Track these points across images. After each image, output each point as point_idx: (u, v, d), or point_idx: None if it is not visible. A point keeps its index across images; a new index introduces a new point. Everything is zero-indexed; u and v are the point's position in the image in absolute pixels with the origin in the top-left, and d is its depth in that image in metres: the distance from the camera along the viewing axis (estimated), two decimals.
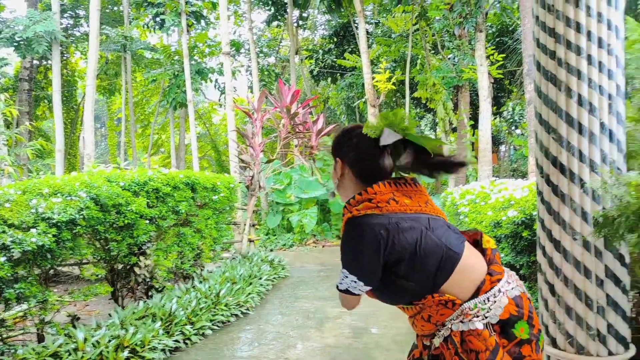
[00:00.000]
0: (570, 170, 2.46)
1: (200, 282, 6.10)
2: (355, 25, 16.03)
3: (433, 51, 15.44)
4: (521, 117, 16.06)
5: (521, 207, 4.08)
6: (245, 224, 8.97)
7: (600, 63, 2.40)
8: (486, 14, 12.34)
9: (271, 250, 10.98)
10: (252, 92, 17.64)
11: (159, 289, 5.64)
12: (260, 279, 6.80)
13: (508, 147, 20.65)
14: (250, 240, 9.14)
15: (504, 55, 14.15)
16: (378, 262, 1.52)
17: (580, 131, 2.43)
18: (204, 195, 6.26)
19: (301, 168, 12.69)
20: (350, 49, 17.35)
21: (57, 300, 4.22)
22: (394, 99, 17.73)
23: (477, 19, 11.59)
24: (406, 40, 14.68)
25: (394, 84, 14.07)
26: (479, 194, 5.48)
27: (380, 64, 14.70)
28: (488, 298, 1.57)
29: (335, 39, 18.78)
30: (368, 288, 1.59)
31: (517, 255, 4.02)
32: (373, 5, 18.50)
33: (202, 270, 6.66)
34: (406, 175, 1.72)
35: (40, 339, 4.21)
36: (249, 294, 5.97)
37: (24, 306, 3.98)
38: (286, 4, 17.38)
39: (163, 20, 14.61)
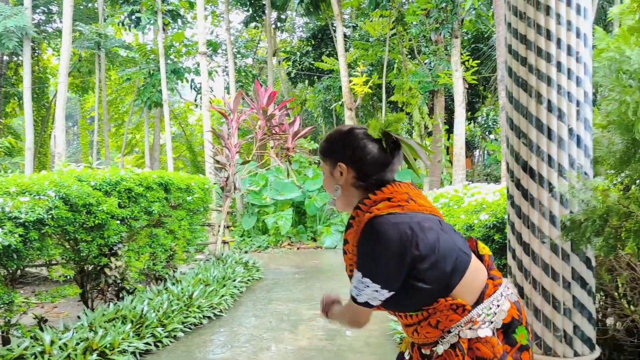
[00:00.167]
0: (539, 175, 2.52)
1: (173, 283, 6.02)
2: (333, 28, 16.09)
3: (410, 56, 15.61)
4: (495, 123, 16.34)
5: (493, 211, 4.14)
6: (219, 226, 8.90)
7: (569, 70, 2.46)
8: (462, 20, 12.54)
9: (246, 252, 10.91)
10: (228, 93, 17.52)
11: (130, 290, 5.55)
12: (234, 280, 6.75)
13: (482, 151, 20.99)
14: (224, 242, 9.07)
15: (478, 61, 14.39)
16: (403, 264, 1.43)
17: (550, 136, 2.48)
18: (178, 196, 6.18)
19: (277, 170, 12.65)
20: (328, 52, 17.40)
21: (24, 302, 4.11)
22: (370, 103, 17.85)
23: (453, 25, 11.77)
24: (383, 45, 14.80)
25: (370, 87, 14.17)
26: (453, 197, 5.55)
27: (357, 67, 14.80)
28: (493, 303, 1.54)
29: (313, 42, 18.82)
30: (390, 295, 1.47)
31: None
32: (351, 8, 18.59)
33: (174, 271, 6.58)
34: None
35: (5, 341, 4.10)
36: (222, 296, 5.92)
37: None
38: (264, 5, 17.35)
39: (139, 18, 14.43)
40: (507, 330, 1.53)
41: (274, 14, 19.00)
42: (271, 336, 4.80)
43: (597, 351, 2.54)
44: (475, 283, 1.53)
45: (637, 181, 2.38)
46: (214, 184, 8.84)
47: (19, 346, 3.74)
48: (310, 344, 4.51)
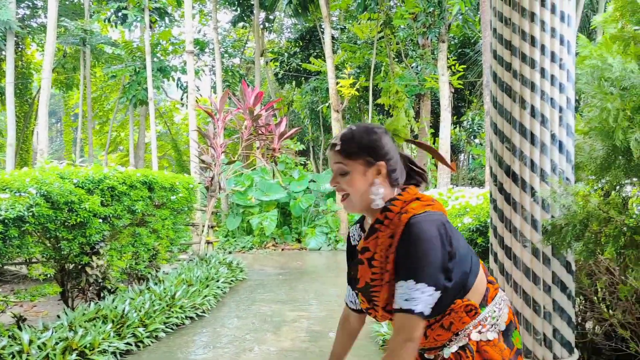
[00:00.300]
0: (522, 179, 2.55)
1: (155, 283, 5.97)
2: (321, 30, 16.10)
3: (397, 59, 15.68)
4: (480, 127, 16.49)
5: (476, 215, 4.18)
6: (203, 226, 8.85)
7: (552, 76, 2.49)
8: (449, 25, 12.63)
9: (230, 253, 10.86)
10: (215, 92, 17.43)
11: (112, 290, 5.48)
12: (218, 281, 6.71)
13: (467, 156, 21.15)
14: (208, 242, 9.02)
15: (465, 66, 14.51)
16: (445, 262, 1.39)
17: (533, 142, 2.51)
18: (162, 195, 6.13)
19: (263, 170, 12.62)
20: (315, 54, 17.40)
21: (2, 300, 4.05)
22: (357, 105, 17.89)
23: (440, 29, 11.85)
24: (371, 48, 14.85)
25: (357, 90, 14.19)
26: (437, 200, 5.57)
27: (344, 69, 14.82)
28: (496, 306, 1.54)
29: (301, 43, 18.81)
30: (438, 297, 1.39)
31: None
32: (339, 11, 18.63)
33: (157, 271, 6.52)
34: None
35: None
36: (205, 296, 5.89)
37: None
38: (253, 5, 17.30)
39: (125, 15, 14.29)
40: (506, 334, 1.54)
41: (262, 14, 18.96)
42: (254, 337, 4.79)
43: (576, 354, 2.57)
44: (481, 286, 1.52)
45: (617, 187, 2.42)
46: (199, 183, 8.78)
47: None
48: (293, 346, 4.50)
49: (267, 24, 20.16)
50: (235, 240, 12.28)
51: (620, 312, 2.55)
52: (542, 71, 2.45)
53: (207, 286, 6.30)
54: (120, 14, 14.43)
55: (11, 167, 12.25)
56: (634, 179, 2.33)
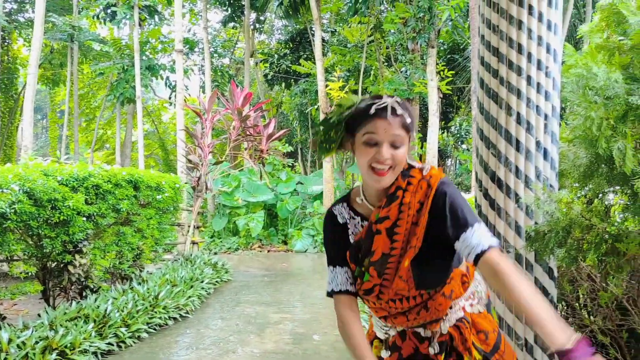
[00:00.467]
0: (507, 185, 2.57)
1: (139, 283, 5.92)
2: (312, 32, 16.11)
3: (386, 63, 15.75)
4: (467, 133, 16.62)
5: None
6: (189, 226, 8.80)
7: (538, 84, 2.52)
8: (439, 31, 12.72)
9: (215, 254, 10.79)
10: (204, 92, 17.37)
11: (94, 289, 5.42)
12: (202, 282, 6.67)
13: (454, 161, 21.30)
14: (193, 243, 8.97)
15: (453, 72, 14.61)
16: None
17: (518, 148, 2.53)
18: (148, 194, 6.08)
19: (250, 171, 12.59)
20: (305, 56, 17.42)
21: None
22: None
23: (430, 35, 11.93)
24: (361, 51, 14.90)
25: (347, 92, 14.21)
26: None
27: (334, 72, 14.84)
28: (479, 281, 1.59)
29: (291, 45, 18.82)
30: None
31: None
32: (330, 14, 18.67)
33: (141, 271, 6.46)
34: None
35: None
36: (190, 297, 5.85)
37: None
38: (243, 5, 17.28)
39: (114, 12, 14.19)
40: (489, 308, 1.60)
41: (253, 15, 18.93)
42: (237, 339, 4.76)
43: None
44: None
45: (600, 195, 2.45)
46: (186, 183, 8.73)
47: None
48: (276, 348, 4.49)
49: (257, 25, 20.14)
50: (221, 241, 12.23)
51: (601, 318, 2.57)
52: (529, 79, 2.48)
53: (192, 287, 6.26)
54: (109, 10, 14.33)
55: None
56: (616, 187, 2.36)
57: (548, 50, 2.50)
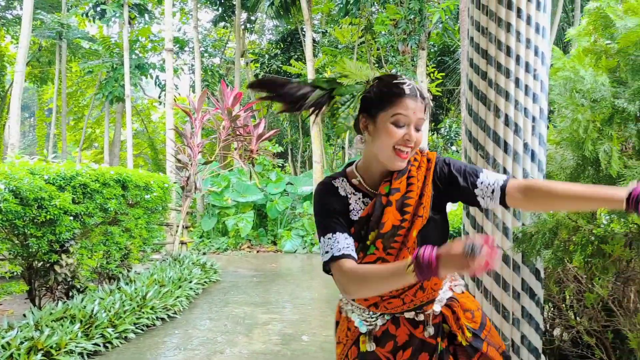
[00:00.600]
0: None
1: (127, 283, 5.87)
2: (303, 33, 16.11)
3: (377, 65, 15.78)
4: (457, 135, 16.70)
5: (450, 221, 4.22)
6: (178, 226, 8.75)
7: (526, 87, 2.54)
8: (429, 33, 12.77)
9: (204, 254, 10.74)
10: (194, 91, 17.30)
11: (81, 289, 5.38)
12: (191, 282, 6.63)
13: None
14: (182, 243, 8.92)
15: (443, 74, 14.69)
16: None
17: (506, 150, 2.55)
18: (136, 194, 6.04)
19: (240, 171, 12.55)
20: (296, 56, 17.41)
21: None
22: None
23: (420, 37, 11.98)
24: (352, 52, 14.93)
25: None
26: None
27: (325, 73, 14.86)
28: None
29: (282, 45, 18.79)
30: None
31: None
32: (321, 14, 18.68)
33: (129, 271, 6.42)
34: None
35: None
36: (178, 297, 5.81)
37: None
38: (234, 5, 17.23)
39: (104, 10, 14.08)
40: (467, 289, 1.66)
41: (244, 15, 18.89)
42: (225, 339, 4.74)
43: None
44: None
45: None
46: (175, 183, 8.68)
47: None
48: (265, 348, 4.47)
49: (248, 25, 20.09)
50: (210, 241, 12.18)
51: (587, 319, 2.60)
52: (517, 81, 2.50)
53: (180, 287, 6.23)
54: (98, 8, 14.22)
55: None
56: None
57: (536, 53, 2.52)
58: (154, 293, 5.51)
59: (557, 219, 2.26)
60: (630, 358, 2.52)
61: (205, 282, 7.17)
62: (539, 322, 2.58)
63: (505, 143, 2.51)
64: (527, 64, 2.50)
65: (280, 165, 16.64)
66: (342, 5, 13.85)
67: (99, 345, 4.23)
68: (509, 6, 2.50)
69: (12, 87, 13.33)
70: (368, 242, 1.46)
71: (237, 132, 8.58)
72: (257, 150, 8.79)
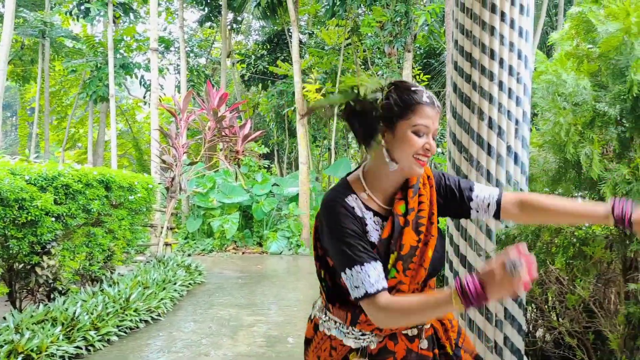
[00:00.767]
0: None
1: (110, 285, 5.80)
2: (289, 34, 16.10)
3: (363, 66, 15.82)
4: (443, 137, 16.78)
5: None
6: (162, 227, 8.68)
7: (510, 90, 2.56)
8: (415, 35, 12.85)
9: (189, 255, 10.66)
10: (179, 91, 17.18)
11: (63, 291, 5.30)
12: (175, 284, 6.58)
13: (430, 164, 21.52)
14: (166, 244, 8.85)
15: (429, 76, 14.77)
16: None
17: (489, 152, 2.57)
18: (120, 195, 5.98)
19: (225, 172, 12.49)
20: (283, 57, 17.38)
21: None
22: (323, 110, 17.94)
23: (406, 39, 12.04)
24: (338, 54, 14.95)
25: (323, 95, 14.24)
26: None
27: (311, 74, 14.86)
28: None
29: (268, 46, 18.75)
30: None
31: None
32: (308, 16, 18.68)
33: (112, 273, 6.34)
34: None
35: None
36: (162, 299, 5.76)
37: None
38: (220, 5, 17.16)
39: (88, 8, 13.92)
40: None
41: (230, 15, 18.82)
42: (210, 342, 4.71)
43: None
44: None
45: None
46: (159, 183, 8.62)
47: None
48: (249, 351, 4.45)
49: (234, 25, 20.03)
50: (195, 243, 12.09)
51: (568, 320, 2.63)
52: (500, 84, 2.52)
53: (164, 289, 6.17)
54: (82, 7, 14.05)
55: None
56: (584, 192, 2.41)
57: (519, 57, 2.54)
58: (137, 295, 5.46)
59: None
60: (610, 359, 2.55)
61: (189, 284, 7.12)
62: (522, 323, 2.60)
63: (489, 145, 2.53)
64: (510, 67, 2.53)
65: (266, 166, 16.58)
66: (328, 7, 13.87)
67: (81, 349, 4.18)
68: (493, 10, 2.52)
69: None
70: (389, 266, 1.40)
71: (223, 133, 8.55)
72: (242, 151, 8.76)
